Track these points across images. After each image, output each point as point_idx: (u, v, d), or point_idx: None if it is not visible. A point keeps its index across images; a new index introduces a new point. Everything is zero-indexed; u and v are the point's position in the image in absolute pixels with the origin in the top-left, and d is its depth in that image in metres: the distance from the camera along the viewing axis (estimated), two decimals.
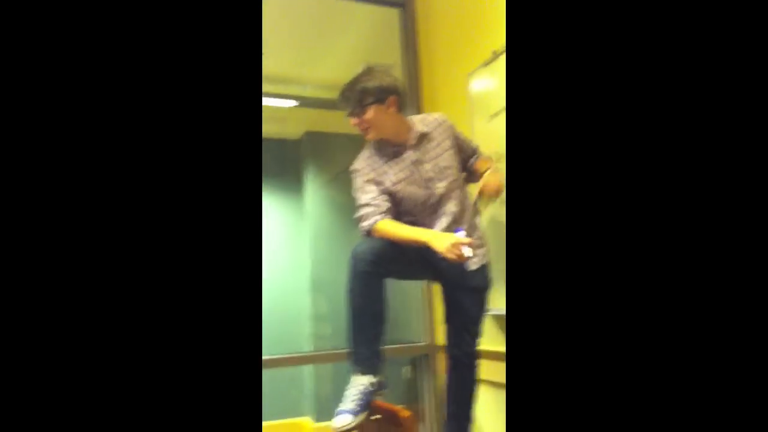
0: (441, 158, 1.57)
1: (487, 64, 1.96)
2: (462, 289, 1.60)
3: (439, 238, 1.40)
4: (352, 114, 1.52)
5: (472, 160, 1.71)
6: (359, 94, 1.50)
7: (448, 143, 1.60)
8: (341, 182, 3.32)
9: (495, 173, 1.61)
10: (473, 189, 1.65)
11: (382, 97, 1.50)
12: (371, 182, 1.54)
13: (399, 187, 1.53)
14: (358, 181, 1.56)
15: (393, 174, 1.54)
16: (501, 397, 1.88)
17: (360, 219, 1.52)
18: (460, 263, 1.50)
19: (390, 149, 1.55)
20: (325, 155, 3.58)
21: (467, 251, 1.35)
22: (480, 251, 1.59)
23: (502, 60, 1.87)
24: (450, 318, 1.64)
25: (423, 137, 1.56)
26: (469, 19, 2.14)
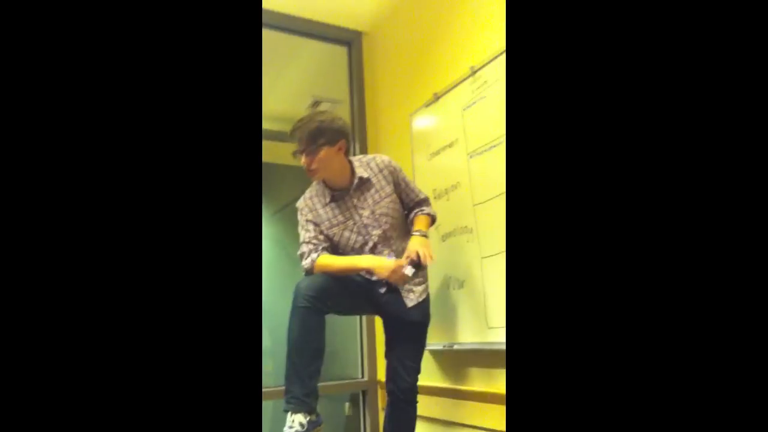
0: (379, 205, 1.58)
1: (428, 105, 2.04)
2: (401, 323, 1.62)
3: (380, 262, 1.45)
4: (304, 152, 1.53)
5: (415, 211, 1.67)
6: (314, 133, 1.51)
7: (388, 189, 1.60)
8: (286, 215, 3.31)
9: (420, 240, 1.54)
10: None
11: (334, 139, 1.52)
12: (311, 222, 1.57)
13: (335, 230, 1.56)
14: (301, 219, 1.59)
15: (332, 217, 1.57)
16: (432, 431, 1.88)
17: (301, 256, 1.55)
18: (400, 298, 1.52)
19: (330, 192, 1.58)
20: (271, 188, 3.55)
21: (408, 270, 1.41)
22: (419, 288, 1.62)
23: (443, 102, 1.96)
24: (389, 353, 1.65)
25: (363, 183, 1.58)
26: (413, 61, 2.23)
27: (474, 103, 1.79)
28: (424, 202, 1.68)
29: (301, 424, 1.37)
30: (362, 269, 1.50)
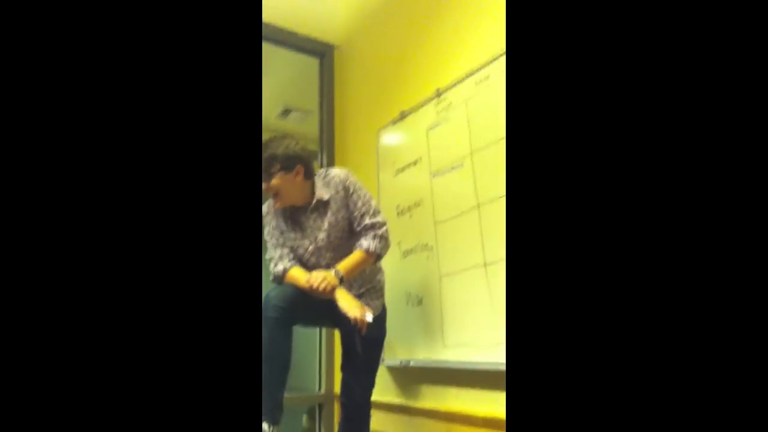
0: (334, 229, 1.58)
1: (395, 122, 2.07)
2: (357, 338, 1.63)
3: (348, 300, 1.46)
4: (266, 176, 1.54)
5: (358, 240, 1.57)
6: (267, 161, 1.52)
7: (344, 212, 1.58)
8: None
9: (323, 276, 1.48)
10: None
11: (290, 165, 1.53)
12: (277, 229, 1.60)
13: (299, 250, 1.59)
14: (268, 225, 1.61)
15: (290, 232, 1.59)
16: None
17: (271, 261, 1.57)
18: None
19: (290, 213, 1.60)
20: None
21: (369, 317, 1.43)
22: (376, 303, 1.63)
23: (410, 120, 1.99)
24: (345, 367, 1.65)
25: (321, 204, 1.58)
26: (383, 77, 2.26)
27: (438, 124, 1.82)
28: (369, 228, 1.57)
29: None
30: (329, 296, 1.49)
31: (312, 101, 2.65)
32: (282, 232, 1.59)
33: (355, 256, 1.54)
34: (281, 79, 2.80)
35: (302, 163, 1.55)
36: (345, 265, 1.51)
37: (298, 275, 1.52)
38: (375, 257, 1.57)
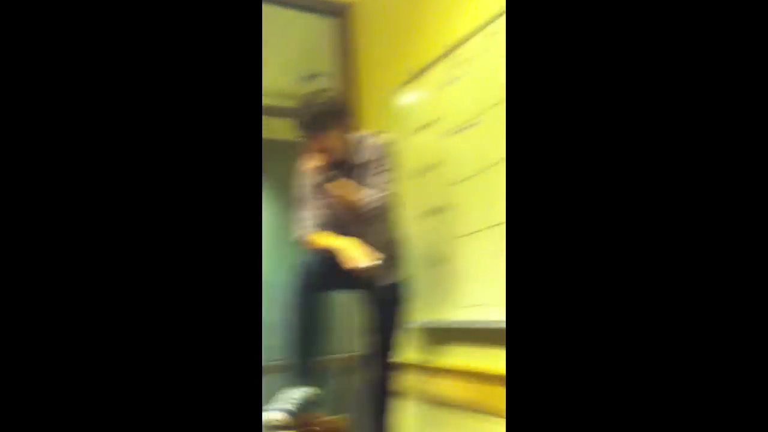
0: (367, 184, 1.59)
1: (409, 82, 2.02)
2: (376, 302, 1.66)
3: (350, 249, 1.45)
4: (311, 136, 1.51)
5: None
6: (315, 117, 1.49)
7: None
8: (282, 190, 3.31)
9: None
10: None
11: (337, 120, 1.52)
12: (308, 198, 1.60)
13: (331, 206, 1.59)
14: (302, 189, 1.63)
15: (326, 194, 1.58)
16: (420, 409, 1.94)
17: (298, 228, 1.61)
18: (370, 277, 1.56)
19: (330, 168, 1.57)
20: (268, 162, 3.56)
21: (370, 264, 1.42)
22: (390, 272, 1.65)
23: (427, 76, 1.93)
24: (368, 330, 1.70)
25: (359, 167, 1.58)
26: (397, 39, 2.20)
27: (452, 81, 1.77)
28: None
29: (311, 395, 1.44)
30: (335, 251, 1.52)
31: (326, 65, 2.61)
32: (313, 193, 1.59)
33: None
34: (294, 44, 2.76)
35: (346, 118, 1.53)
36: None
37: (319, 239, 1.53)
38: None
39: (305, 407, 1.43)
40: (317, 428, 1.50)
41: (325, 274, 1.48)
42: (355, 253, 1.44)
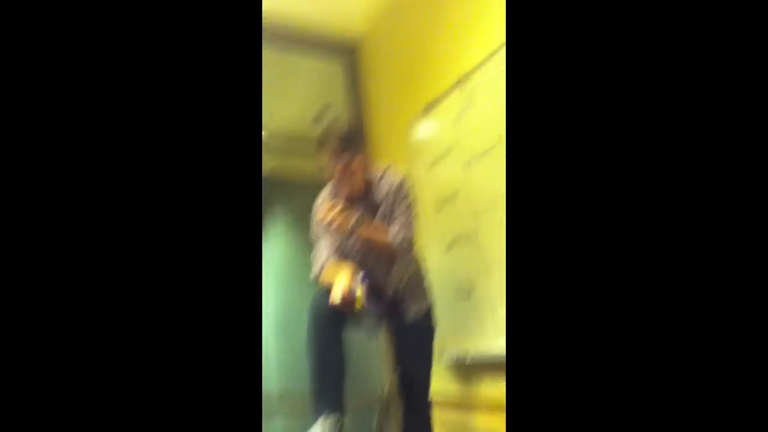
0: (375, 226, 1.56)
1: (423, 114, 2.04)
2: (404, 338, 1.63)
3: (336, 286, 1.42)
4: (336, 158, 1.49)
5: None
6: (347, 139, 1.48)
7: (388, 216, 1.56)
8: (300, 226, 3.34)
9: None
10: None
11: (359, 149, 1.52)
12: (325, 233, 1.57)
13: (342, 245, 1.58)
14: (318, 226, 1.59)
15: (353, 235, 1.53)
16: None
17: (315, 264, 1.58)
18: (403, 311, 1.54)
19: (345, 202, 1.54)
20: (284, 199, 3.60)
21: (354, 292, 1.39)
22: (416, 306, 1.62)
23: (440, 107, 1.95)
24: (396, 366, 1.66)
25: (372, 204, 1.56)
26: (408, 72, 2.23)
27: (465, 109, 1.78)
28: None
29: (336, 424, 1.40)
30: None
31: (340, 104, 2.66)
32: (330, 229, 1.53)
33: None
34: (306, 87, 2.83)
35: (366, 143, 1.55)
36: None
37: (328, 274, 1.51)
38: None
39: None
40: None
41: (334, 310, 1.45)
42: (335, 289, 1.40)
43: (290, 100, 2.81)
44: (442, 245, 1.90)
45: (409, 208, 1.56)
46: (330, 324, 1.46)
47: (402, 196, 1.56)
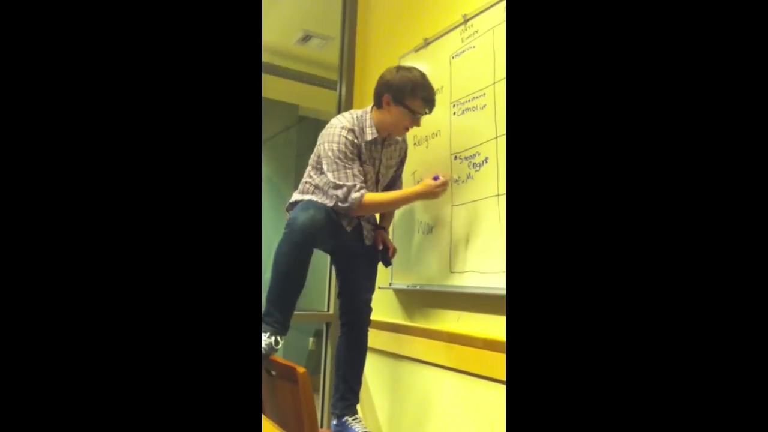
0: (388, 169, 1.76)
1: (417, 49, 2.03)
2: (361, 260, 1.72)
3: (428, 187, 1.64)
4: (422, 112, 1.64)
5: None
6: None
7: (396, 161, 1.79)
8: (269, 149, 3.28)
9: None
10: None
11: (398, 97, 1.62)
12: (351, 159, 1.59)
13: (363, 168, 1.65)
14: (337, 153, 1.57)
15: (366, 158, 1.66)
16: (389, 364, 1.99)
17: (338, 194, 1.57)
18: (362, 238, 1.66)
19: (373, 134, 1.64)
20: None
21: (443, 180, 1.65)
22: (371, 234, 1.77)
23: (432, 47, 1.95)
24: (344, 288, 1.75)
25: (393, 141, 1.73)
26: (405, 5, 2.20)
27: (463, 51, 1.79)
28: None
29: (272, 345, 1.48)
30: (415, 197, 1.71)
31: (333, 27, 2.60)
32: (355, 160, 1.61)
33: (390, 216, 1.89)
34: (301, 3, 2.73)
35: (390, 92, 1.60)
36: (386, 222, 1.89)
37: (378, 198, 1.66)
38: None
39: (267, 352, 1.48)
40: (273, 372, 1.54)
41: (319, 232, 1.52)
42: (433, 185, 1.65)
43: (279, 13, 2.71)
44: (413, 181, 1.95)
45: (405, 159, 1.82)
46: (307, 248, 1.52)
47: (405, 152, 1.82)
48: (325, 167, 1.59)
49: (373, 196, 1.61)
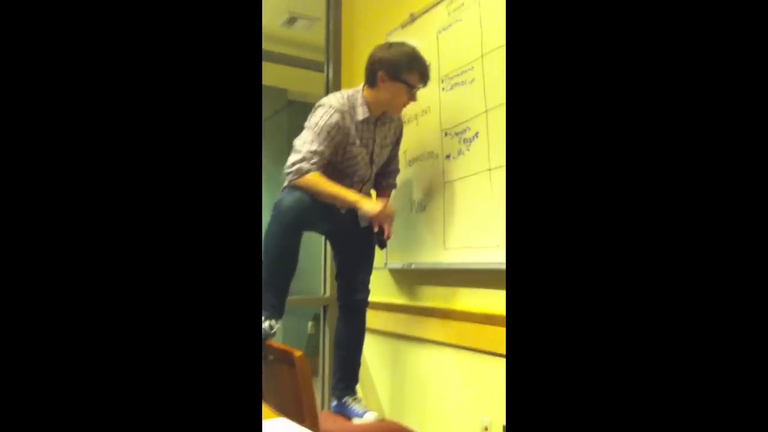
0: (383, 149, 1.70)
1: (404, 25, 2.00)
2: (356, 243, 1.70)
3: (368, 203, 1.54)
4: (416, 87, 1.61)
5: (388, 181, 1.82)
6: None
7: (391, 140, 1.74)
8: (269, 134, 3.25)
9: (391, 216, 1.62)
10: None
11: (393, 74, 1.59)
12: (328, 134, 1.53)
13: (354, 150, 1.60)
14: (318, 124, 1.53)
15: (357, 136, 1.60)
16: (388, 344, 2.00)
17: (294, 164, 1.51)
18: (356, 219, 1.61)
19: (367, 111, 1.60)
20: None
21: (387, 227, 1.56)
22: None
23: (419, 23, 1.92)
24: (342, 270, 1.73)
25: (386, 121, 1.69)
26: None
27: (450, 26, 1.76)
28: (395, 173, 1.83)
29: (270, 327, 1.48)
30: (349, 205, 1.56)
31: (318, 7, 2.55)
32: (333, 137, 1.53)
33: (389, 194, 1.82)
34: None
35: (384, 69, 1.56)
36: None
37: (320, 183, 1.50)
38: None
39: (263, 337, 1.48)
40: (271, 356, 1.54)
41: (307, 214, 1.49)
42: (373, 207, 1.56)
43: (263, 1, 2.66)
44: (404, 159, 1.93)
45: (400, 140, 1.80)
46: (295, 229, 1.49)
47: (401, 133, 1.78)
48: (300, 135, 1.56)
49: (317, 179, 1.49)
